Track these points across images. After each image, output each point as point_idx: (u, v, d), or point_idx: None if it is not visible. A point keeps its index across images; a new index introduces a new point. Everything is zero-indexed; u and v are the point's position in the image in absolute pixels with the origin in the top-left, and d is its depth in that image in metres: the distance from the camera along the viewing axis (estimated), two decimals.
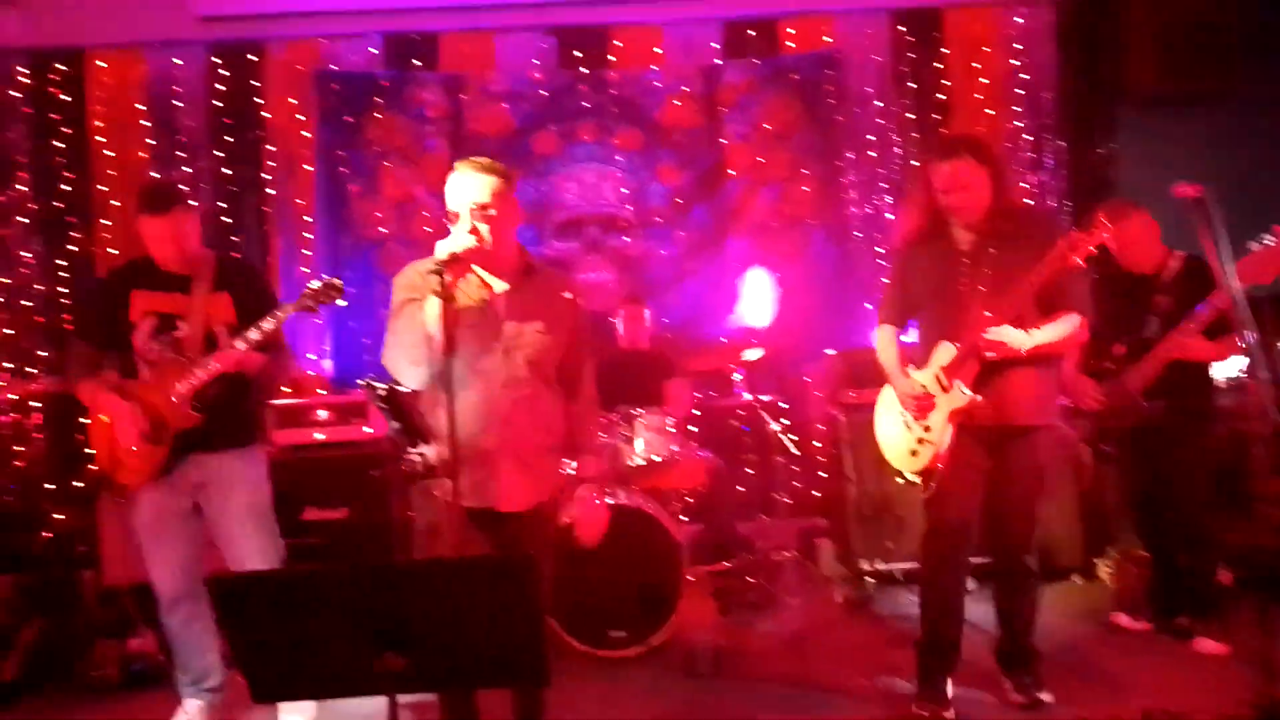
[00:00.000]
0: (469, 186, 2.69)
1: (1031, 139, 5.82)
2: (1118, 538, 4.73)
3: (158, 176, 5.60)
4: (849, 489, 4.96)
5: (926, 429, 3.36)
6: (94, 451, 3.52)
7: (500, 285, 2.80)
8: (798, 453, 5.13)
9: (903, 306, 3.50)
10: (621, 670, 3.92)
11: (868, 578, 4.87)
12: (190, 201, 3.47)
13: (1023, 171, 5.82)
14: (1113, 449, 4.05)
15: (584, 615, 4.00)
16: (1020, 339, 3.17)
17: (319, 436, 4.83)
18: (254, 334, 3.27)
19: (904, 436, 3.44)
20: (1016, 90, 5.83)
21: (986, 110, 5.82)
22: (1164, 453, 3.90)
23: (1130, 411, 3.89)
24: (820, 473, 5.65)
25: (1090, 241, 3.08)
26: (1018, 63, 5.82)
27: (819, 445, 5.71)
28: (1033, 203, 5.72)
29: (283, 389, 4.89)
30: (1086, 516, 4.85)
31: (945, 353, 3.32)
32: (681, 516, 4.81)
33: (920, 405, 3.35)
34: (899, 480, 3.52)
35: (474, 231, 2.66)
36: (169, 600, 3.45)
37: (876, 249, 5.83)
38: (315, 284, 3.31)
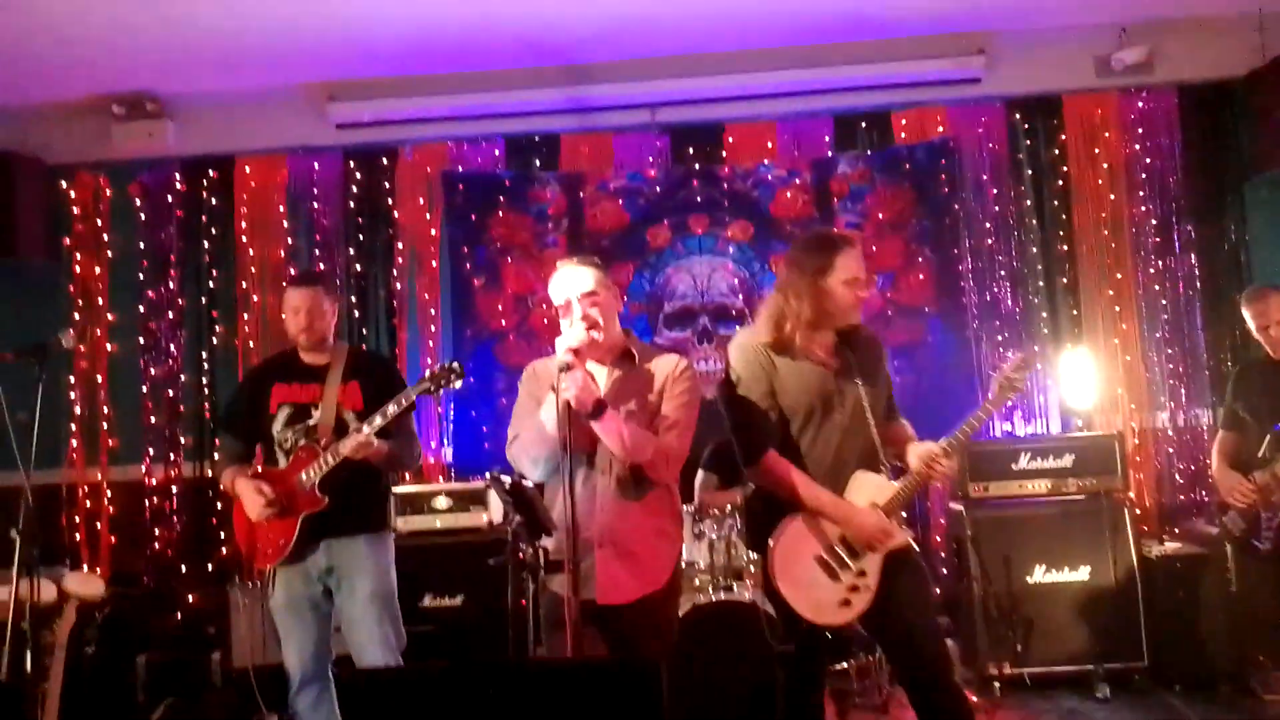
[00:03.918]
0: (576, 278, 2.90)
1: (1157, 223, 5.66)
2: (1272, 643, 4.42)
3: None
4: (974, 587, 4.78)
5: (861, 573, 2.91)
6: (234, 534, 3.68)
7: (603, 372, 2.88)
8: (919, 549, 4.97)
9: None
10: None
11: (995, 682, 4.65)
12: (333, 289, 3.75)
13: (1150, 257, 5.66)
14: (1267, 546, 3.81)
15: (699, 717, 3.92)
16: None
17: (438, 524, 4.93)
18: (378, 419, 3.37)
19: (831, 586, 2.91)
20: (1140, 175, 5.69)
21: (1110, 195, 5.69)
22: None
23: None
24: (942, 569, 5.46)
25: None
26: (1139, 147, 5.70)
27: (940, 540, 5.54)
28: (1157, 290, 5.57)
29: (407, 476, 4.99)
30: (1236, 620, 4.55)
31: (876, 486, 2.99)
32: None
33: (875, 541, 2.93)
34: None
35: (586, 318, 2.83)
36: (299, 682, 3.54)
37: (997, 337, 5.70)
38: (435, 368, 3.39)
